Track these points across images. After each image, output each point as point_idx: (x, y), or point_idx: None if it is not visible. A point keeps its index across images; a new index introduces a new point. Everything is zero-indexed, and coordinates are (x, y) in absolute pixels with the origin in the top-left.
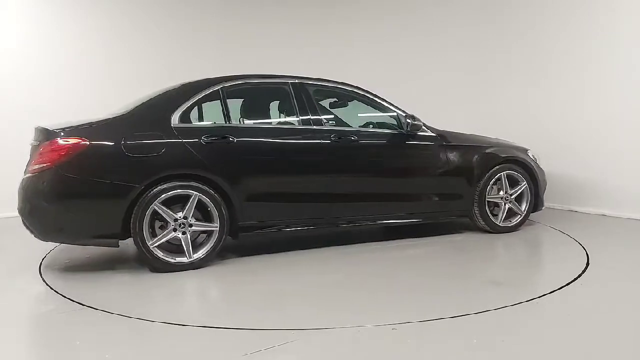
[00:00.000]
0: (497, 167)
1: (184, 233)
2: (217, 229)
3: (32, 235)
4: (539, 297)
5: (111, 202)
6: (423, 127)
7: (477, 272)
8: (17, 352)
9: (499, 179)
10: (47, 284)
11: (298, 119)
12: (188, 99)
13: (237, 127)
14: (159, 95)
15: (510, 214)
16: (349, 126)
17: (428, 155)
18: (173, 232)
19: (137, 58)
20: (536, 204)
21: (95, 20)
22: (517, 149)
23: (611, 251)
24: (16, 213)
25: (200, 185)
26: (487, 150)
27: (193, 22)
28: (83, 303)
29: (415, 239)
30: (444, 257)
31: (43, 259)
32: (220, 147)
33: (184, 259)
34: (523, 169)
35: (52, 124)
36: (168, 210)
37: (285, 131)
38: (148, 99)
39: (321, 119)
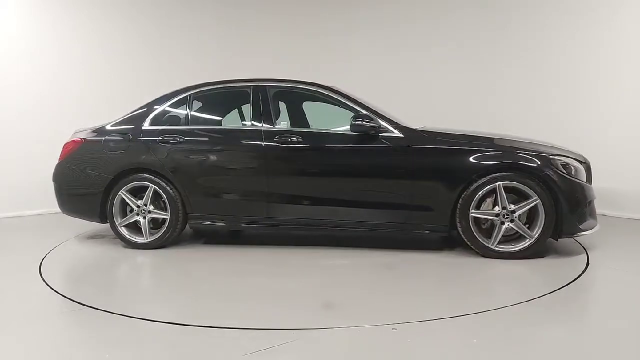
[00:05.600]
0: (492, 175)
1: (144, 217)
2: (169, 217)
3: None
4: (539, 297)
5: (93, 188)
6: (386, 127)
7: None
8: (18, 352)
9: (495, 190)
10: (47, 284)
11: (251, 120)
12: (160, 105)
13: (187, 129)
14: (148, 102)
15: (520, 236)
16: (325, 127)
17: (382, 158)
18: (136, 216)
19: (138, 61)
20: (562, 228)
21: (94, 23)
22: (534, 154)
23: (611, 251)
24: (16, 213)
25: (155, 178)
26: (477, 154)
27: (194, 28)
28: (83, 303)
29: (361, 250)
30: (345, 272)
31: (43, 259)
32: (170, 146)
33: (143, 239)
34: (536, 181)
35: (84, 127)
36: (131, 198)
37: (229, 132)
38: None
39: (272, 119)
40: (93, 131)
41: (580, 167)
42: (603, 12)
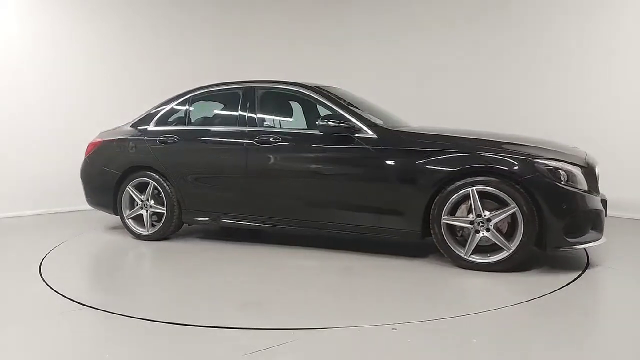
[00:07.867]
0: (465, 179)
1: (146, 211)
2: (165, 211)
3: None
4: (539, 297)
5: (107, 182)
6: (360, 127)
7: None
8: (17, 352)
9: (469, 195)
10: (47, 284)
11: (238, 120)
12: (164, 107)
13: (181, 129)
14: (159, 102)
15: (498, 247)
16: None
17: (354, 159)
18: (140, 210)
19: (134, 61)
20: (546, 239)
21: (91, 23)
22: (514, 156)
23: (611, 251)
24: (16, 213)
25: (155, 176)
26: (451, 156)
27: (190, 29)
28: (83, 303)
29: (329, 251)
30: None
31: (43, 259)
32: (166, 146)
33: (144, 231)
34: (514, 186)
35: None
36: (137, 193)
37: (216, 133)
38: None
39: (256, 120)
40: (113, 131)
41: (576, 172)
42: (613, 14)
